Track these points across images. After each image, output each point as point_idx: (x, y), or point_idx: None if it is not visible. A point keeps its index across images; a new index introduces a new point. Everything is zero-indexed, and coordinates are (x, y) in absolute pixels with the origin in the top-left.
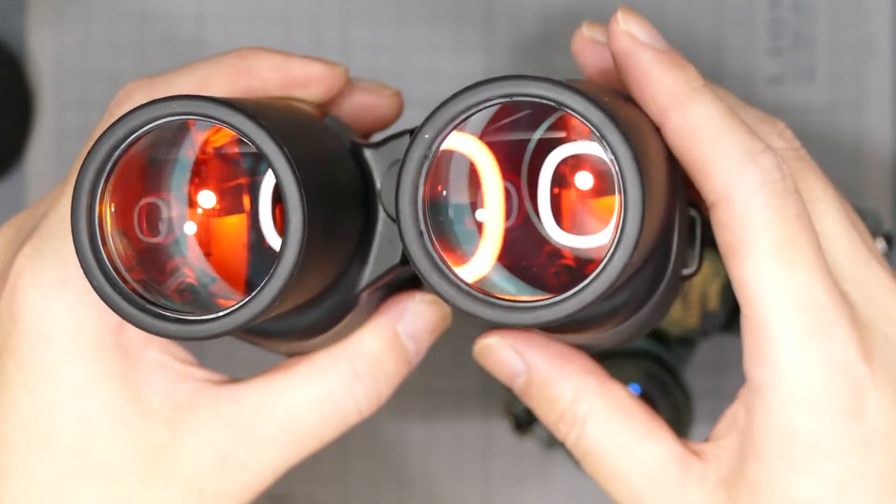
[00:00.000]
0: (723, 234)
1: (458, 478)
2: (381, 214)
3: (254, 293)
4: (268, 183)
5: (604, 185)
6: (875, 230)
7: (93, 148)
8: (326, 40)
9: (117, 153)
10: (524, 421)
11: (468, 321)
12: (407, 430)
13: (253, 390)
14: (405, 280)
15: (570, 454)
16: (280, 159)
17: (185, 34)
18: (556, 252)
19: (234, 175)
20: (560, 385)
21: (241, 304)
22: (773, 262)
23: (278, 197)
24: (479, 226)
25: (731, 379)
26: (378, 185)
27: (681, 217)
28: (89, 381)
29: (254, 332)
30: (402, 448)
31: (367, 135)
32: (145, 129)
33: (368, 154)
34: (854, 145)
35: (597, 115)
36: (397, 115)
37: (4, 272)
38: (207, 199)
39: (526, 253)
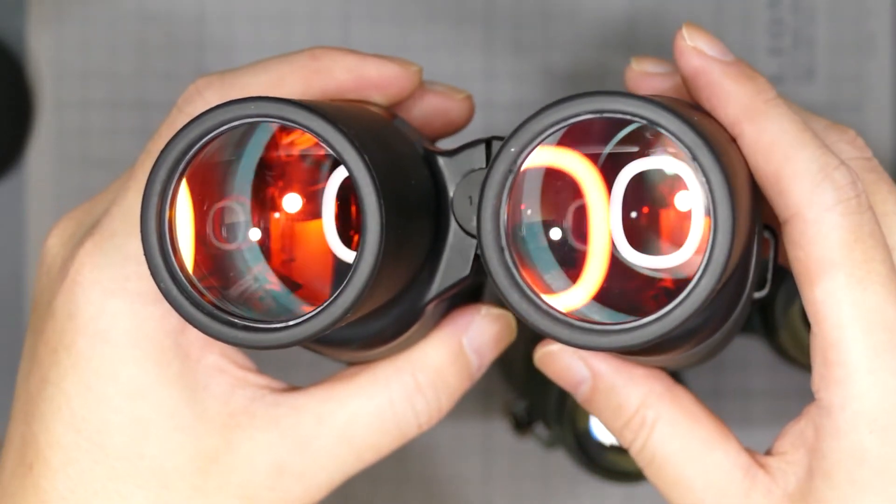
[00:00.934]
0: (795, 252)
1: (458, 478)
2: (453, 225)
3: (326, 303)
4: (331, 189)
5: (677, 202)
6: None
7: (166, 147)
8: (326, 40)
9: (190, 154)
10: (524, 421)
11: None
12: None
13: (313, 399)
14: (469, 291)
15: (572, 448)
16: (360, 166)
17: (185, 34)
18: (650, 277)
19: (304, 180)
20: (627, 391)
21: (312, 313)
22: (845, 283)
23: (342, 203)
24: (554, 244)
25: (732, 379)
26: (451, 194)
27: (757, 238)
28: (146, 383)
29: (316, 340)
30: (403, 448)
31: (435, 139)
32: (220, 130)
33: (442, 162)
34: None
35: (689, 136)
36: (468, 119)
37: (64, 266)
38: (292, 203)
39: (617, 278)
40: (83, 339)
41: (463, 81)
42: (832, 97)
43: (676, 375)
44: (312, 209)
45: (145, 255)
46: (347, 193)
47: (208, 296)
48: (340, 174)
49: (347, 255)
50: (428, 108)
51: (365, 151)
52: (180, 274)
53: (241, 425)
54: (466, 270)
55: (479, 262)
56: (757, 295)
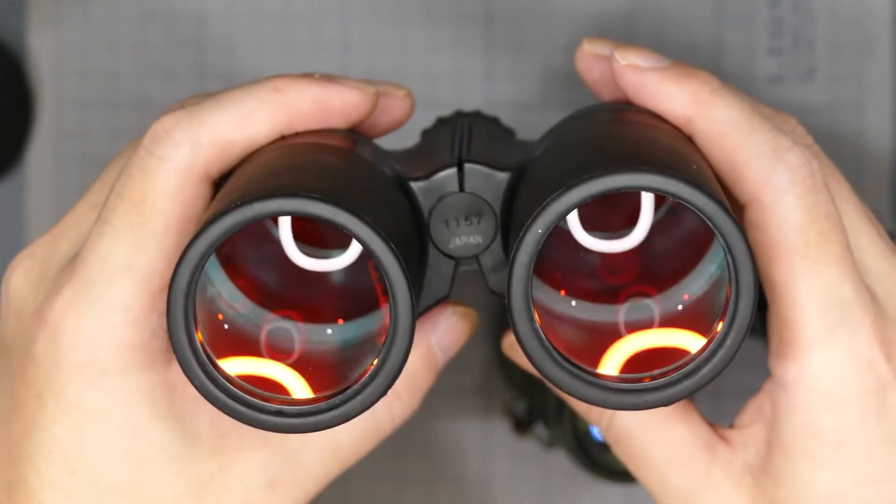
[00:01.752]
0: (754, 234)
1: (458, 478)
2: (431, 248)
3: (362, 382)
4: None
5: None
6: None
7: (190, 247)
8: (326, 40)
9: (209, 254)
10: (524, 421)
11: None
12: (407, 431)
13: None
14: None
15: (572, 448)
16: (390, 257)
17: (185, 34)
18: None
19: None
20: None
21: (348, 395)
22: (802, 263)
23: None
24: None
25: (732, 379)
26: (425, 217)
27: None
28: (139, 421)
29: None
30: (402, 448)
31: (376, 137)
32: (238, 228)
33: (415, 187)
34: (854, 145)
35: (712, 208)
36: (409, 115)
37: (41, 313)
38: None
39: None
40: (71, 387)
41: (463, 81)
42: (832, 97)
43: None
44: None
45: (178, 357)
46: None
47: (236, 381)
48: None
49: (309, 264)
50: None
51: (390, 239)
52: (213, 370)
53: (232, 446)
54: (446, 290)
55: (456, 280)
56: None
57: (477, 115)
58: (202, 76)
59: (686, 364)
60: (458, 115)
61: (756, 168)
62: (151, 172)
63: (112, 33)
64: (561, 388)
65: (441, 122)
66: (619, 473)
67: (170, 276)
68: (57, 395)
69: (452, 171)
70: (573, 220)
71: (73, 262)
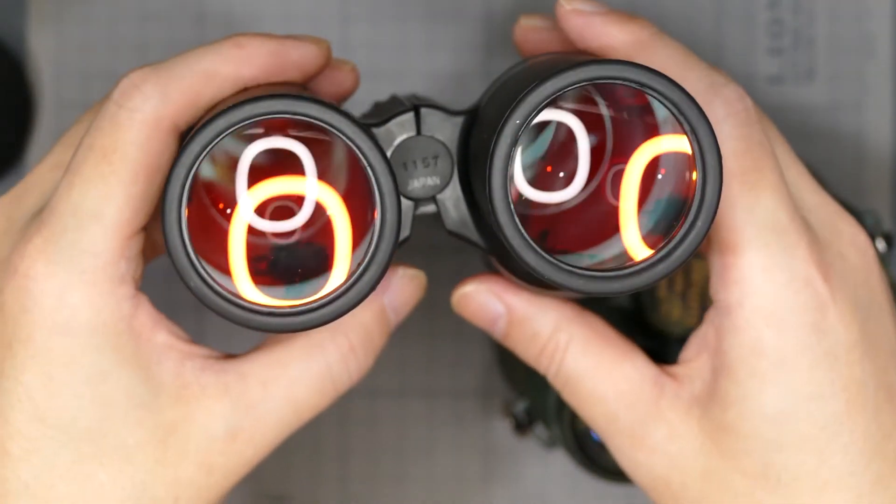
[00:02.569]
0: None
1: (458, 478)
2: None
3: (351, 281)
4: (244, 163)
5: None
6: (875, 230)
7: (188, 144)
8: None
9: (202, 156)
10: (524, 421)
11: (466, 323)
12: (407, 430)
13: (256, 365)
14: None
15: (572, 448)
16: (372, 147)
17: (185, 34)
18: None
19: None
20: (541, 318)
21: (338, 294)
22: (739, 188)
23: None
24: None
25: None
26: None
27: None
28: (106, 367)
29: None
30: (402, 448)
31: None
32: (235, 127)
33: (374, 133)
34: (854, 145)
35: (676, 94)
36: (355, 88)
37: (8, 262)
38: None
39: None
40: (41, 332)
41: (463, 81)
42: (832, 97)
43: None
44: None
45: (172, 257)
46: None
47: (231, 288)
48: (253, 150)
49: (263, 225)
50: (324, 80)
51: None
52: (207, 275)
53: (195, 395)
54: (408, 231)
55: (416, 221)
56: None
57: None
58: None
59: (659, 250)
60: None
61: None
62: (122, 124)
63: (112, 33)
64: (541, 275)
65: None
66: (619, 473)
67: (137, 223)
68: (26, 341)
69: (409, 115)
70: (519, 178)
71: (40, 214)
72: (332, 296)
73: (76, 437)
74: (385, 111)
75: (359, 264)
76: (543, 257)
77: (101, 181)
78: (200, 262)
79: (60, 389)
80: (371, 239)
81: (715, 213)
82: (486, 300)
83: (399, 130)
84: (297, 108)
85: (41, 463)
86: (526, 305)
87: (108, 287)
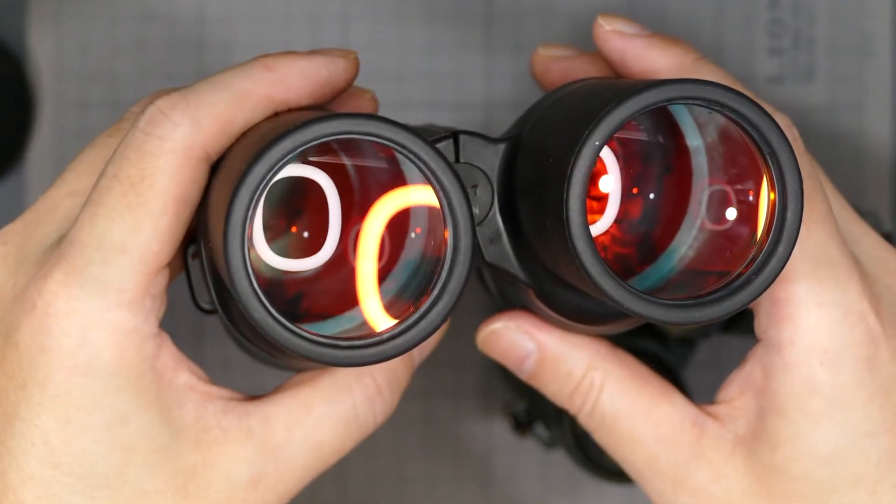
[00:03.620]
0: None
1: (458, 478)
2: None
3: (421, 311)
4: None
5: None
6: (875, 230)
7: (253, 164)
8: (326, 40)
9: (267, 181)
10: (524, 421)
11: (466, 322)
12: (407, 431)
13: (280, 408)
14: None
15: (572, 448)
16: (454, 183)
17: (185, 34)
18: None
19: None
20: (574, 356)
21: (410, 322)
22: None
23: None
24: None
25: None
26: None
27: None
28: (128, 410)
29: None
30: (402, 448)
31: (323, 104)
32: (300, 149)
33: None
34: (854, 145)
35: (755, 113)
36: (353, 80)
37: (24, 297)
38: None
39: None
40: (60, 373)
41: (463, 81)
42: (832, 97)
43: (675, 374)
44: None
45: (236, 288)
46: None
47: (299, 322)
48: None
49: (275, 261)
50: (343, 107)
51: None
52: (269, 305)
53: (217, 440)
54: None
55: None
56: None
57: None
58: (202, 76)
59: (737, 278)
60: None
61: None
62: (151, 153)
63: (112, 33)
64: (620, 305)
65: None
66: (619, 473)
67: (164, 258)
68: (43, 382)
69: (448, 142)
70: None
71: (59, 246)
72: (401, 327)
73: (93, 484)
74: (435, 134)
75: (429, 294)
76: (623, 286)
77: (127, 212)
78: (268, 297)
79: (78, 434)
80: (442, 265)
81: (795, 239)
82: (516, 338)
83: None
84: (369, 127)
85: None
86: (558, 343)
87: (132, 325)
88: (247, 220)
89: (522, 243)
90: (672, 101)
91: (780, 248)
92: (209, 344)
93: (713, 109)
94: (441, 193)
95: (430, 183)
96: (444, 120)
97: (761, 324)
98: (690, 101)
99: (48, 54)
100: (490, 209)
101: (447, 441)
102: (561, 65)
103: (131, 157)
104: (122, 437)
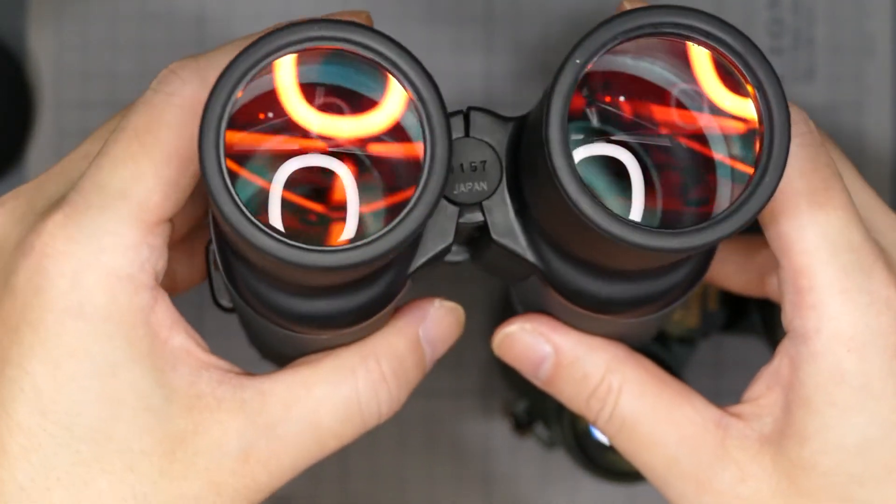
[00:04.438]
0: None
1: (458, 478)
2: None
3: (396, 221)
4: (281, 176)
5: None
6: None
7: (224, 74)
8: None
9: (244, 83)
10: (524, 421)
11: (467, 323)
12: (407, 430)
13: (279, 384)
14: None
15: (572, 448)
16: (425, 80)
17: (185, 34)
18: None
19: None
20: (592, 358)
21: (385, 231)
22: (808, 209)
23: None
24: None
25: (732, 379)
26: None
27: None
28: (117, 360)
29: (302, 320)
30: (402, 448)
31: None
32: (277, 55)
33: None
34: (854, 145)
35: (742, 45)
36: None
37: (25, 242)
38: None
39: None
40: (52, 315)
41: (463, 81)
42: (832, 97)
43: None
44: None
45: (205, 179)
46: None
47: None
48: (288, 168)
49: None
50: None
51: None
52: (240, 202)
53: (209, 407)
54: (450, 239)
55: (459, 229)
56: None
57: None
58: None
59: (724, 212)
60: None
61: None
62: (158, 106)
63: (112, 33)
64: (598, 227)
65: None
66: (618, 473)
67: (166, 210)
68: (36, 324)
69: (458, 117)
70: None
71: (65, 194)
72: (376, 235)
73: (78, 436)
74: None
75: (406, 204)
76: (600, 206)
77: (131, 161)
78: (235, 189)
79: (67, 380)
80: (421, 176)
81: (782, 171)
82: (532, 341)
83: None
84: (340, 33)
85: (40, 463)
86: (575, 345)
87: (126, 272)
88: (223, 116)
89: (529, 220)
90: (656, 26)
91: (767, 178)
92: (212, 341)
93: (697, 41)
94: (417, 101)
95: (405, 89)
96: None
97: (787, 314)
98: (672, 31)
99: (48, 54)
100: (497, 185)
101: (447, 441)
102: None
103: (140, 110)
104: (111, 388)
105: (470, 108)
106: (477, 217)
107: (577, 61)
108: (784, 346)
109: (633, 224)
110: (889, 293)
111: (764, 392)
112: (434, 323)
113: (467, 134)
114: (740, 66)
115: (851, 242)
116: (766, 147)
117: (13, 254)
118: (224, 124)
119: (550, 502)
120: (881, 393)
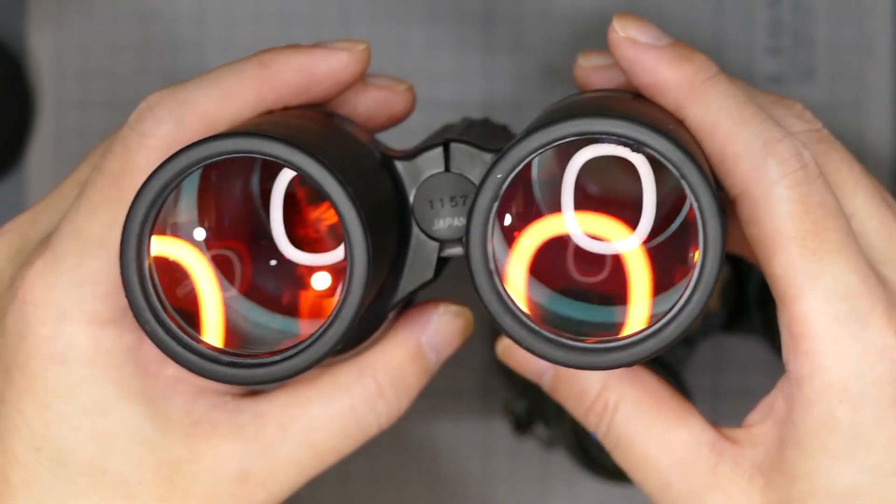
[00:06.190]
0: (748, 229)
1: (458, 478)
2: (415, 229)
3: (316, 335)
4: (278, 192)
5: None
6: None
7: (143, 189)
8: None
9: (167, 192)
10: (524, 421)
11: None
12: (407, 430)
13: (275, 405)
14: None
15: (572, 448)
16: (346, 202)
17: (185, 34)
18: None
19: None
20: (588, 375)
21: (302, 346)
22: (800, 254)
23: (289, 204)
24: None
25: (732, 379)
26: (411, 198)
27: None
28: (106, 400)
29: None
30: (403, 448)
31: (376, 132)
32: (196, 168)
33: (400, 166)
34: (854, 145)
35: (677, 155)
36: (410, 111)
37: (13, 284)
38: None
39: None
40: (36, 361)
41: (463, 81)
42: (832, 97)
43: (675, 375)
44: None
45: (128, 297)
46: (290, 192)
47: (192, 332)
48: (286, 177)
49: (297, 256)
50: (371, 103)
51: (348, 184)
52: (164, 314)
53: (205, 434)
54: (430, 274)
55: (441, 264)
56: None
57: (485, 121)
58: None
59: (653, 324)
60: (465, 120)
61: (745, 161)
62: (132, 148)
63: (112, 33)
64: (520, 343)
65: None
66: (619, 473)
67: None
68: (23, 367)
69: (438, 150)
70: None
71: (49, 236)
72: (296, 348)
73: (74, 470)
74: (427, 142)
75: (328, 317)
76: (525, 324)
77: (107, 207)
78: (162, 304)
79: (57, 420)
80: (342, 291)
81: (713, 290)
82: None
83: (426, 166)
84: (255, 146)
85: (40, 493)
86: None
87: (108, 317)
88: (143, 237)
89: None
90: (566, 138)
91: (696, 297)
92: None
93: (633, 148)
94: (342, 216)
95: (330, 203)
96: (444, 120)
97: (784, 354)
98: (592, 136)
99: (48, 54)
100: None
101: (447, 441)
102: (602, 75)
103: (116, 151)
104: (102, 426)
105: (448, 141)
106: (458, 250)
107: (499, 176)
108: (782, 383)
109: (552, 340)
110: (886, 341)
111: (759, 421)
112: (437, 330)
113: (447, 168)
114: (678, 175)
115: (847, 288)
116: (698, 267)
117: (5, 294)
118: (144, 249)
119: (550, 502)
120: (873, 442)
